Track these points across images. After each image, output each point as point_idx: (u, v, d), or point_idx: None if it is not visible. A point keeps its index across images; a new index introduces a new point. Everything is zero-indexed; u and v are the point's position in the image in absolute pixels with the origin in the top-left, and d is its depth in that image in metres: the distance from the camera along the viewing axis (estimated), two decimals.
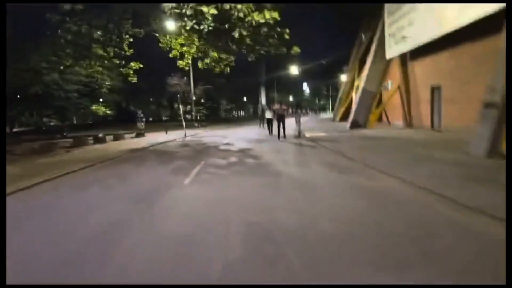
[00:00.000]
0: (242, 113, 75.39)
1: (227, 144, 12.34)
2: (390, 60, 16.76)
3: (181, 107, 18.29)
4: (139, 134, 18.09)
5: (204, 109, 46.11)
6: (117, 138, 15.69)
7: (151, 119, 51.43)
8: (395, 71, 17.51)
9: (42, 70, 17.72)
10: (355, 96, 22.81)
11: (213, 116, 57.79)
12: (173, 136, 17.55)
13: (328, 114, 61.03)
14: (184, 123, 18.58)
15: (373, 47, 17.28)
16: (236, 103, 62.59)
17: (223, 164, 7.49)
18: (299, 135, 14.19)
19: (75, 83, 22.11)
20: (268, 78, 56.29)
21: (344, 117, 26.18)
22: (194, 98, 34.55)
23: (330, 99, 72.32)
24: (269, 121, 16.56)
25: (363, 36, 24.24)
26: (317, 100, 74.01)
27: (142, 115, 19.70)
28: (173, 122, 30.63)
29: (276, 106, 13.36)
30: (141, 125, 18.96)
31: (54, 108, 23.46)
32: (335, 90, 75.55)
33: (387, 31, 15.71)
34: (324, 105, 73.26)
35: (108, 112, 38.48)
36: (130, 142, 14.76)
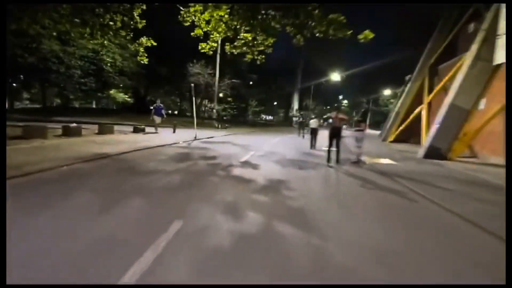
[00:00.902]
0: (271, 117, 70.83)
1: (248, 163, 7.77)
2: (496, 68, 11.49)
3: (194, 100, 13.94)
4: (138, 130, 14.03)
5: (230, 108, 42.10)
6: (103, 131, 11.64)
7: (170, 111, 48.29)
8: (498, 85, 12.08)
9: (35, 35, 14.12)
10: (424, 113, 17.45)
11: (239, 117, 53.71)
12: (179, 137, 13.31)
13: (368, 130, 54.81)
14: (196, 121, 14.33)
15: (475, 47, 12.04)
16: (266, 105, 58.10)
17: (222, 242, 2.90)
18: (358, 161, 9.30)
19: (79, 58, 18.73)
20: (304, 84, 51.37)
21: (400, 138, 20.84)
22: (221, 94, 30.46)
23: (369, 113, 65.92)
24: (314, 132, 13.80)
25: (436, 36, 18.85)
26: (354, 113, 67.82)
27: (162, 105, 15.47)
28: (191, 119, 26.80)
29: (332, 115, 8.60)
30: (158, 119, 14.86)
31: (53, 85, 20.24)
32: (375, 104, 69.07)
33: (501, 25, 10.54)
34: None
35: (127, 99, 35.31)
36: (116, 139, 10.62)
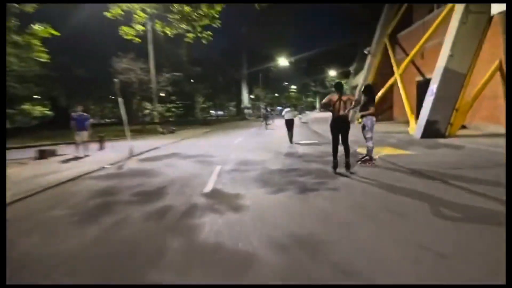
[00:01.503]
0: (221, 112, 67.10)
1: (219, 196, 4.63)
2: (489, 21, 9.72)
3: (121, 102, 10.04)
4: (46, 154, 9.81)
5: (175, 107, 37.64)
6: None
7: (105, 120, 42.31)
8: (490, 40, 10.32)
9: None
10: (401, 86, 15.67)
11: (187, 117, 49.11)
12: (107, 156, 9.48)
13: (318, 112, 54.21)
14: (129, 130, 10.62)
15: None
16: (214, 100, 54.24)
17: None
18: (369, 158, 6.58)
19: None
20: (251, 72, 48.61)
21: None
22: (162, 94, 26.15)
23: (317, 96, 65.93)
24: (289, 124, 12.09)
25: None
26: (303, 97, 67.30)
27: (85, 114, 10.83)
28: (129, 126, 22.24)
29: (333, 98, 5.65)
30: (83, 134, 10.32)
31: None
32: (322, 86, 69.31)
33: None
34: (312, 103, 66.69)
35: (47, 112, 28.81)
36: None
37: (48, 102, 26.35)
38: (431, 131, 9.90)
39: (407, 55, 16.59)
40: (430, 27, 13.21)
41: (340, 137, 5.79)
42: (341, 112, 5.67)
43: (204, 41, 10.91)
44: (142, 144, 13.17)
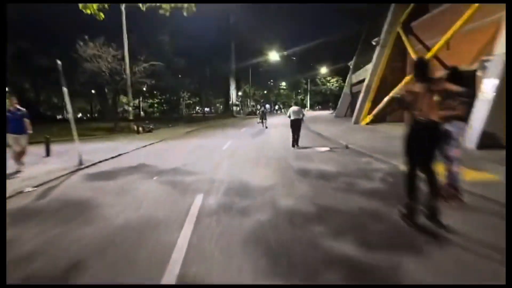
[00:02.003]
0: (208, 109, 64.02)
1: None
2: None
3: (65, 92, 7.17)
4: None
5: (159, 103, 34.69)
6: None
7: (87, 116, 38.97)
8: None
9: None
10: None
11: (172, 113, 45.94)
12: (44, 169, 6.62)
13: (309, 111, 52.21)
14: (74, 129, 7.73)
15: None
16: (201, 96, 51.15)
17: None
18: (456, 189, 3.95)
19: None
20: (241, 66, 45.79)
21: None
22: (143, 87, 23.14)
23: (308, 93, 63.75)
24: (296, 125, 10.18)
25: None
26: (294, 95, 64.97)
27: (22, 110, 7.57)
28: (106, 123, 19.14)
29: (416, 86, 3.08)
30: (20, 138, 7.19)
31: None
32: (313, 84, 67.06)
33: None
34: (302, 100, 64.44)
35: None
36: None
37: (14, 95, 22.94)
38: (490, 140, 7.51)
39: (425, 46, 14.34)
40: (457, 13, 10.94)
41: (421, 158, 3.21)
42: (432, 114, 3.08)
43: (185, 14, 8.22)
44: (105, 147, 10.37)
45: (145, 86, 21.60)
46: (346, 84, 27.39)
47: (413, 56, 14.54)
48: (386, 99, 15.59)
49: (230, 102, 46.13)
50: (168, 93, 39.57)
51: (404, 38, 15.54)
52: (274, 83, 60.41)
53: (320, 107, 69.33)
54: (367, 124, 16.53)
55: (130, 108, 15.65)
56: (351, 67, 27.12)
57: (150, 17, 22.57)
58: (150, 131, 16.55)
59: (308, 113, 36.52)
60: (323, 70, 61.22)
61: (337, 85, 66.88)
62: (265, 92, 63.16)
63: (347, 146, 9.41)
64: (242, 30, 43.81)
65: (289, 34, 46.87)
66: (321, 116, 30.70)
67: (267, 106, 65.37)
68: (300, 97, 64.82)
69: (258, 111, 28.14)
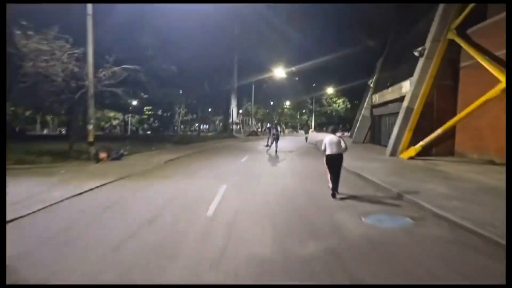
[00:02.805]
0: (206, 126, 60.02)
1: None
2: None
3: None
4: None
5: (147, 119, 30.74)
6: None
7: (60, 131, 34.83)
8: None
9: None
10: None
11: (166, 131, 41.79)
12: None
13: (313, 132, 47.78)
14: None
15: None
16: (197, 113, 47.22)
17: None
18: None
19: None
20: (243, 84, 42.18)
21: (426, 150, 12.72)
22: (134, 103, 19.15)
23: (313, 114, 59.99)
24: (335, 164, 6.69)
25: None
26: (298, 115, 61.27)
27: None
28: (58, 143, 14.71)
29: None
30: None
31: None
32: (318, 104, 63.46)
33: None
34: (307, 121, 60.64)
35: None
36: None
37: None
38: None
39: (491, 56, 10.44)
40: None
41: None
42: None
43: None
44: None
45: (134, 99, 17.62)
46: (365, 105, 23.43)
47: (487, 65, 10.52)
48: (439, 131, 11.47)
49: (230, 120, 42.09)
50: (157, 107, 35.53)
51: (466, 46, 11.60)
52: (277, 102, 56.70)
53: (325, 128, 65.53)
54: (411, 158, 12.30)
55: (90, 127, 11.40)
56: (371, 85, 23.25)
57: (134, 17, 19.01)
58: (118, 158, 12.26)
59: (313, 135, 32.44)
60: (330, 90, 57.91)
61: (343, 106, 63.45)
62: (267, 111, 59.33)
63: (433, 214, 5.12)
64: (246, 44, 40.44)
65: (296, 50, 43.43)
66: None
67: (268, 125, 61.67)
68: (304, 117, 61.01)
69: (268, 132, 23.89)
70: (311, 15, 42.52)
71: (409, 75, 15.44)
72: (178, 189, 7.35)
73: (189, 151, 17.19)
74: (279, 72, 38.18)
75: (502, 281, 2.58)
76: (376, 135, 21.79)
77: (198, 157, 15.02)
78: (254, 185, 7.95)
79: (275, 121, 30.88)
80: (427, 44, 13.16)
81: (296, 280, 3.01)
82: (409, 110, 13.38)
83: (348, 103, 62.90)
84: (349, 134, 47.39)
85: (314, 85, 58.68)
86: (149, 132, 38.85)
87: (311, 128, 56.60)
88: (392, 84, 17.96)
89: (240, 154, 16.04)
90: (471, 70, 12.43)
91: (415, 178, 8.27)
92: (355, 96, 61.42)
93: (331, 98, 62.86)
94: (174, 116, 40.36)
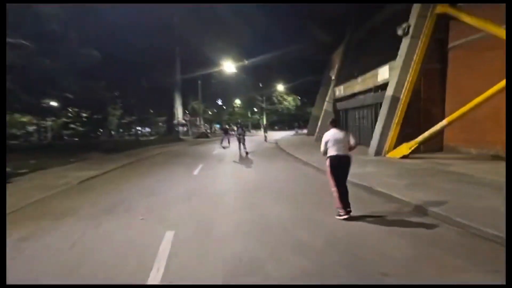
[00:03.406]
0: (148, 129, 53.91)
1: None
2: None
3: None
4: None
5: (73, 121, 25.43)
6: None
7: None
8: None
9: None
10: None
11: (94, 137, 35.54)
12: None
13: (262, 132, 45.46)
14: None
15: None
16: (135, 113, 41.55)
17: None
18: None
19: None
20: (187, 79, 37.95)
21: (428, 146, 10.66)
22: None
23: (264, 112, 57.94)
24: (343, 168, 4.74)
25: None
26: (249, 113, 58.57)
27: None
28: None
29: None
30: None
31: None
32: (269, 102, 61.56)
33: None
34: (258, 120, 58.35)
35: None
36: None
37: None
38: None
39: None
40: None
41: None
42: None
43: None
44: None
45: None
46: (327, 99, 21.43)
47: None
48: (445, 122, 9.37)
49: (175, 121, 37.51)
50: (86, 109, 29.69)
51: (466, 17, 9.64)
52: (227, 100, 53.28)
53: (276, 127, 64.22)
54: (405, 157, 10.07)
55: None
56: (332, 77, 21.32)
57: None
58: None
59: (273, 135, 29.98)
60: (280, 87, 56.37)
61: (294, 103, 62.59)
62: (215, 110, 55.67)
63: None
64: (189, 36, 36.28)
65: (245, 45, 40.37)
66: (297, 140, 24.15)
67: (217, 126, 57.97)
68: (255, 116, 58.68)
69: (223, 133, 20.70)
70: (261, 8, 40.06)
71: (381, 62, 13.51)
72: (74, 255, 3.70)
73: (122, 162, 13.04)
74: (229, 67, 34.83)
75: None
76: None
77: (133, 171, 11.08)
78: (223, 223, 4.64)
79: (240, 120, 27.57)
80: (412, 20, 11.10)
81: None
82: (394, 99, 11.21)
83: (299, 100, 62.22)
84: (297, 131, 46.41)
85: (261, 85, 56.58)
86: (77, 139, 32.42)
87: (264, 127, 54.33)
88: (361, 74, 15.97)
89: (191, 163, 12.45)
90: (462, 51, 10.71)
91: (446, 189, 5.74)
92: (306, 92, 61.10)
93: (281, 96, 61.51)
94: (107, 118, 34.50)
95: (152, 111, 47.22)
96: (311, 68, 52.84)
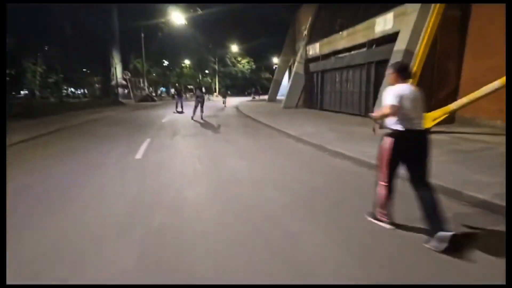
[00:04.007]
0: (82, 91, 45.86)
1: None
2: None
3: None
4: None
5: None
6: None
7: None
8: None
9: None
10: None
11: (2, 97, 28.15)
12: None
13: (217, 97, 41.49)
14: None
15: None
16: (67, 72, 34.19)
17: None
18: None
19: None
20: (127, 30, 31.61)
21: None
22: None
23: (217, 75, 53.28)
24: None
25: None
26: (200, 76, 53.14)
27: None
28: None
29: None
30: None
31: None
32: (222, 64, 56.59)
33: None
34: (210, 83, 53.56)
35: None
36: None
37: None
38: None
39: None
40: None
41: None
42: None
43: None
44: None
45: None
46: (297, 60, 18.50)
47: None
48: (497, 84, 7.07)
49: (113, 82, 31.54)
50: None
51: None
52: (175, 61, 47.19)
53: (229, 92, 60.32)
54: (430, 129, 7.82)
55: None
56: (305, 33, 18.28)
57: None
58: None
59: (220, 99, 26.59)
60: (234, 48, 51.66)
61: (248, 67, 58.64)
62: (160, 70, 49.27)
63: None
64: None
65: None
66: (261, 107, 21.09)
67: (162, 89, 51.88)
68: (207, 78, 53.70)
69: (177, 97, 17.34)
70: None
71: (378, 11, 10.85)
72: None
73: (32, 134, 8.84)
74: (178, 18, 29.41)
75: None
76: (314, 97, 17.34)
77: (45, 148, 7.18)
78: None
79: (198, 80, 23.51)
80: None
81: None
82: (408, 54, 8.74)
83: (253, 63, 58.34)
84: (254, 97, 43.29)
85: (212, 45, 51.20)
86: None
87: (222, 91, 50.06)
88: (347, 27, 13.19)
89: (132, 136, 8.79)
90: None
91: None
92: (261, 56, 57.30)
93: (235, 58, 56.93)
94: (24, 75, 27.38)
95: (86, 70, 39.74)
96: (269, 29, 49.00)
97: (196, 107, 12.81)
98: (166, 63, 46.50)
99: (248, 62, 58.27)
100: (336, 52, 14.33)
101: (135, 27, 28.85)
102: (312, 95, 17.58)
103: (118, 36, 31.46)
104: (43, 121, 12.45)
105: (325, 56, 15.49)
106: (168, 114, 15.62)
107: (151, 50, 36.04)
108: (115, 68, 32.81)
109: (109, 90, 29.99)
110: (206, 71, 55.03)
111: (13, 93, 30.09)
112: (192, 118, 12.67)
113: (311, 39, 17.57)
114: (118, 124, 12.00)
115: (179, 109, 16.85)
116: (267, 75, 62.11)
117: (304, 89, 18.51)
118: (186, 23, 31.52)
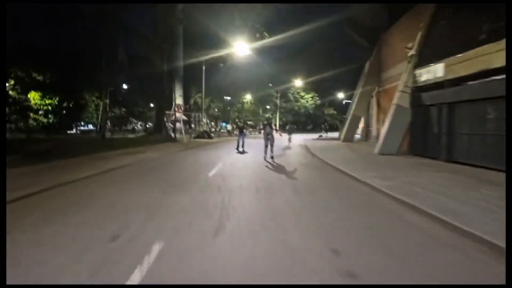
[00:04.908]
0: (140, 125, 46.13)
1: None
2: None
3: None
4: None
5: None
6: None
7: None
8: None
9: None
10: None
11: (60, 131, 27.54)
12: None
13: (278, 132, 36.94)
14: None
15: None
16: (128, 107, 33.91)
17: None
18: None
19: None
20: (188, 64, 30.22)
21: None
22: None
23: (278, 110, 50.00)
24: None
25: None
26: (261, 111, 50.42)
27: None
28: None
29: None
30: None
31: None
32: (284, 99, 53.47)
33: None
34: (269, 119, 50.26)
35: None
36: None
37: None
38: None
39: None
40: None
41: None
42: None
43: None
44: None
45: None
46: (401, 88, 13.41)
47: None
48: None
49: (172, 117, 29.69)
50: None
51: None
52: (235, 95, 45.25)
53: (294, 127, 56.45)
54: None
55: None
56: (411, 52, 13.31)
57: None
58: None
59: (283, 136, 22.40)
60: (298, 82, 48.40)
61: (312, 102, 54.62)
62: (220, 105, 47.55)
63: None
64: (193, 9, 28.59)
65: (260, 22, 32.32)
66: (343, 149, 16.09)
67: (223, 124, 50.01)
68: (268, 115, 50.73)
69: (238, 134, 14.56)
70: None
71: None
72: None
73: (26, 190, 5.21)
74: (242, 48, 26.92)
75: None
76: (431, 141, 11.87)
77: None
78: None
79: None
80: None
81: None
82: None
83: (317, 99, 54.23)
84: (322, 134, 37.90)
85: (274, 81, 48.57)
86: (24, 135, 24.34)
87: (276, 127, 46.16)
88: (493, 35, 7.97)
89: (158, 208, 4.58)
90: None
91: None
92: (325, 92, 53.11)
93: (298, 93, 53.58)
94: (84, 107, 26.89)
95: (147, 104, 39.65)
96: (334, 63, 45.10)
97: (266, 146, 11.94)
98: (228, 98, 44.84)
99: (312, 98, 54.35)
100: (479, 75, 9.05)
101: (196, 63, 27.09)
102: (427, 138, 12.12)
103: (182, 68, 30.20)
104: (37, 170, 8.85)
105: (457, 81, 10.23)
106: (226, 155, 11.85)
107: (211, 84, 34.23)
108: (175, 101, 31.27)
109: (162, 125, 27.96)
110: (267, 106, 52.26)
111: (76, 126, 29.67)
112: (264, 158, 11.74)
113: (422, 59, 12.57)
114: (144, 175, 8.07)
115: (241, 148, 14.74)
116: (331, 111, 57.30)
117: (411, 129, 13.17)
118: (251, 53, 28.95)
